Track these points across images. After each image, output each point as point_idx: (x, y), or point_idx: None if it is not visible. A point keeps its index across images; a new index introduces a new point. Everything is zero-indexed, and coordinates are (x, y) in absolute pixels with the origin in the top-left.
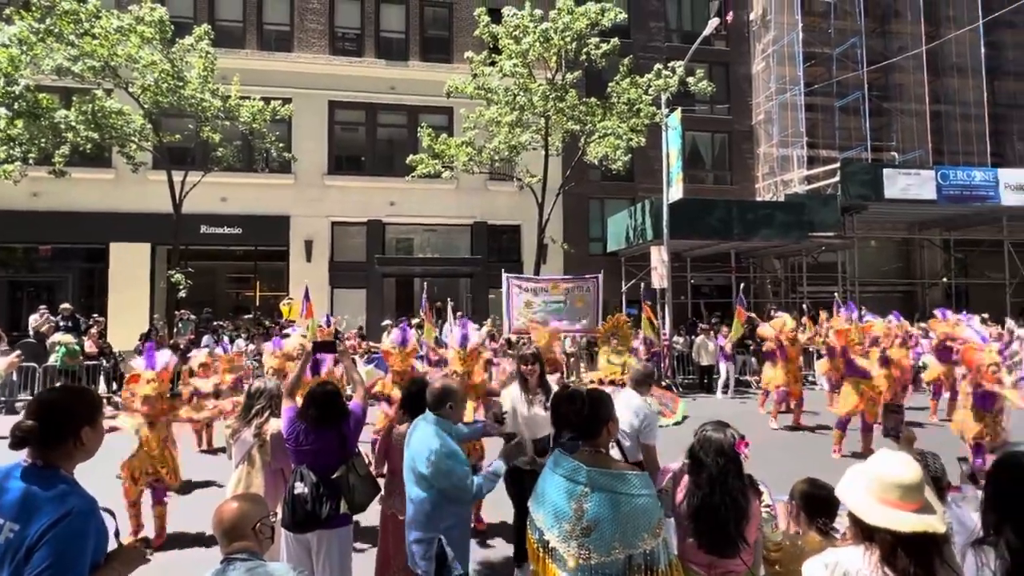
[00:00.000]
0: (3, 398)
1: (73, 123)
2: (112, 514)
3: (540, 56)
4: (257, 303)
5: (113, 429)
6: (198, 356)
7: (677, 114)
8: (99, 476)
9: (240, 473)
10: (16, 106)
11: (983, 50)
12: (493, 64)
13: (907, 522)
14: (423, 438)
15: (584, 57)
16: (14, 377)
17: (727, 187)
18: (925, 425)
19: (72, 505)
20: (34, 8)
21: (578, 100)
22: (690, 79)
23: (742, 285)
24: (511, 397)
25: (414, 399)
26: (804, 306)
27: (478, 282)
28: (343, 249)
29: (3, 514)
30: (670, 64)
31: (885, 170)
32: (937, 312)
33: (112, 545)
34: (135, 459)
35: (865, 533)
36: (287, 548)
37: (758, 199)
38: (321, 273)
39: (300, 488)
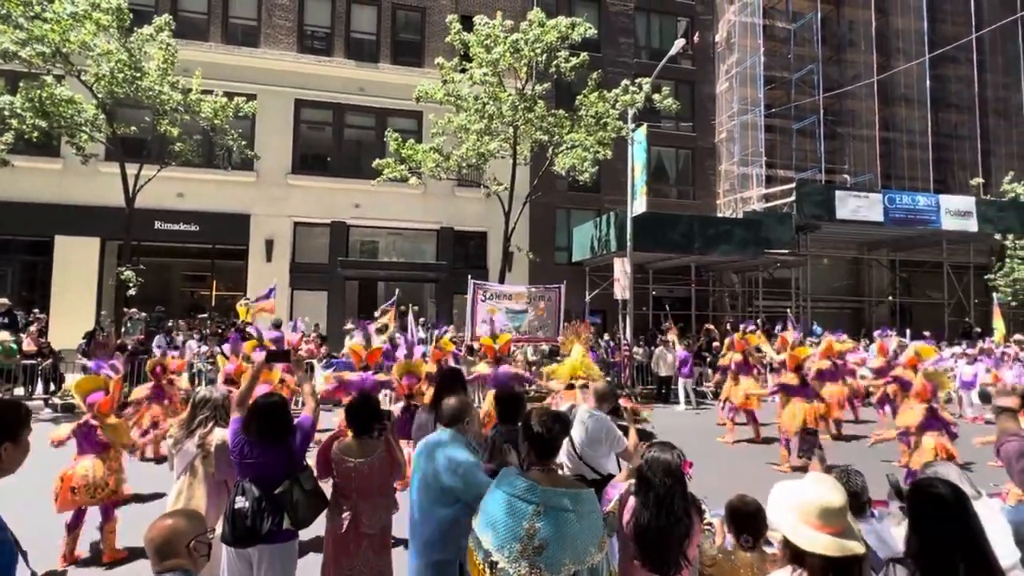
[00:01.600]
0: None
1: (19, 110)
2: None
3: (510, 66)
4: (213, 303)
5: (61, 443)
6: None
7: (643, 129)
8: (34, 487)
9: (182, 484)
10: None
11: (928, 83)
12: (464, 71)
13: (836, 547)
14: (450, 453)
15: (554, 69)
16: None
17: (689, 202)
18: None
19: None
20: None
21: (547, 111)
22: (656, 96)
23: (666, 307)
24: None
25: (357, 412)
26: (758, 321)
27: (443, 288)
28: (305, 250)
29: None
30: (637, 80)
31: (837, 192)
32: (876, 333)
33: (24, 572)
34: (73, 471)
35: (795, 555)
36: (228, 563)
37: (719, 215)
38: (282, 274)
39: (241, 503)
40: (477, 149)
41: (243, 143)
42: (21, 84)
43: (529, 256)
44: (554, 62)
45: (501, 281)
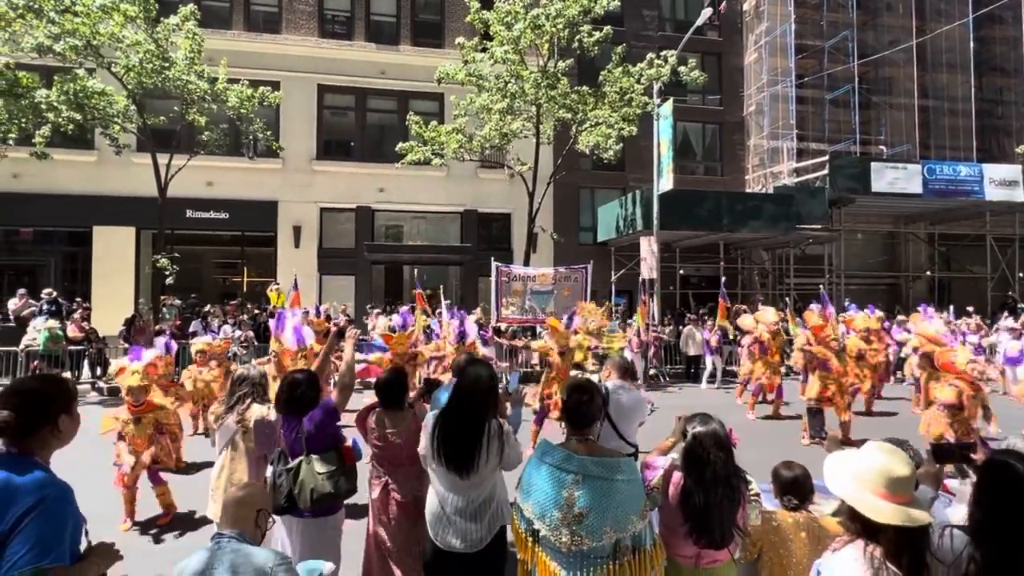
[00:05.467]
0: None
1: (54, 103)
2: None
3: (532, 43)
4: (245, 289)
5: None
6: (197, 343)
7: (669, 104)
8: (91, 458)
9: (224, 459)
10: None
11: (972, 45)
12: (485, 50)
13: (911, 517)
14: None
15: (576, 45)
16: None
17: (717, 178)
18: (896, 414)
19: (47, 492)
20: None
21: (570, 88)
22: (682, 69)
23: (724, 279)
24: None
25: (388, 387)
26: (787, 299)
27: (467, 270)
28: (332, 235)
29: None
30: (662, 53)
31: (873, 163)
32: (920, 308)
33: (83, 543)
34: (122, 452)
35: (866, 528)
36: (281, 529)
37: (747, 191)
38: (310, 259)
39: (268, 472)
40: (500, 129)
41: (268, 132)
42: (56, 78)
43: (553, 237)
44: (576, 37)
45: (526, 263)
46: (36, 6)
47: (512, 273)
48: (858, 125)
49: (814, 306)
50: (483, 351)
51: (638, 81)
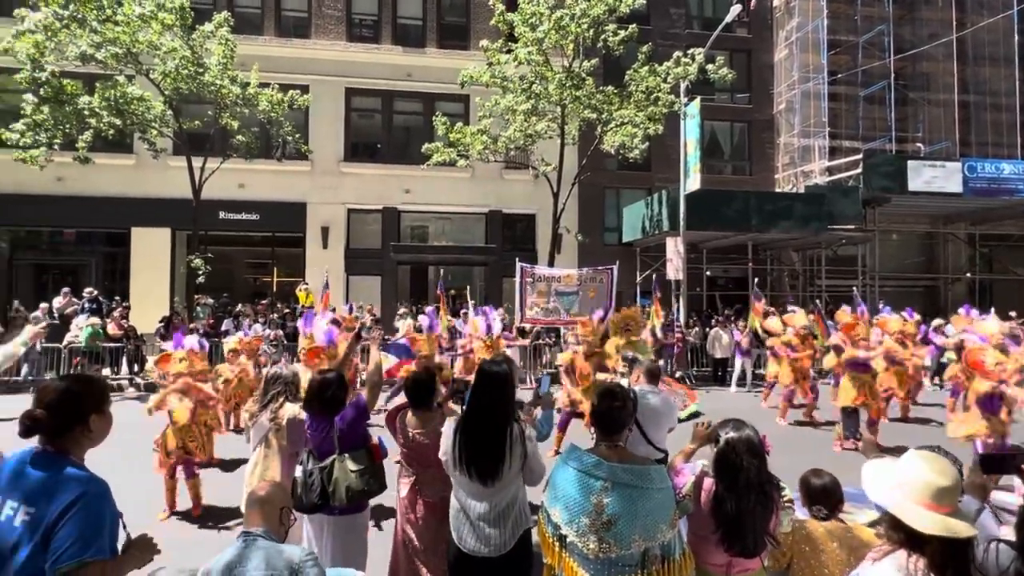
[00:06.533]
0: (31, 377)
1: (96, 109)
2: (120, 514)
3: (556, 44)
4: (274, 288)
5: (160, 406)
6: (229, 341)
7: (696, 103)
8: (125, 457)
9: (257, 456)
10: (42, 92)
11: (1016, 38)
12: (509, 52)
13: (959, 529)
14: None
15: (601, 44)
16: (37, 348)
17: (746, 177)
18: (933, 422)
19: (85, 489)
20: None
21: (595, 88)
22: (710, 67)
23: (756, 279)
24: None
25: (417, 388)
26: (817, 301)
27: (492, 271)
28: (359, 236)
29: (18, 497)
30: (690, 51)
31: (910, 162)
32: (961, 309)
33: (121, 535)
34: (167, 434)
35: (911, 539)
36: (306, 526)
37: (777, 190)
38: (337, 260)
39: (298, 472)
40: (524, 130)
41: (297, 135)
42: (97, 85)
43: (578, 237)
44: (601, 36)
45: (550, 263)
46: (80, 16)
47: (536, 274)
48: (894, 122)
49: (847, 307)
50: (507, 352)
51: (664, 80)
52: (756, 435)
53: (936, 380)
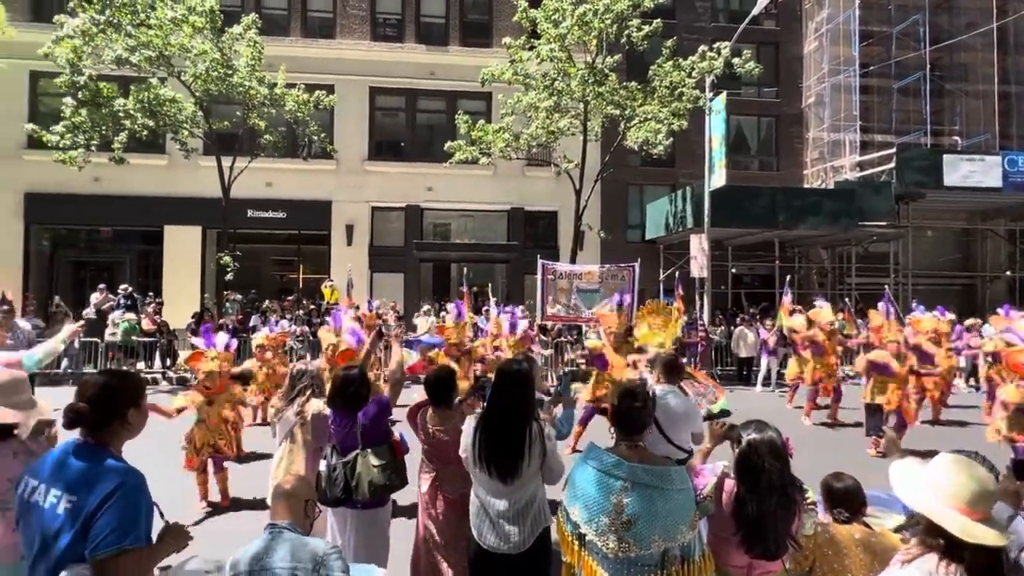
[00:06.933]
0: (70, 370)
1: (131, 111)
2: (156, 504)
3: (579, 40)
4: (300, 285)
5: (180, 410)
6: (257, 337)
7: (722, 98)
8: (160, 450)
9: (283, 450)
10: (80, 95)
11: None
12: (532, 49)
13: (996, 536)
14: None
15: (625, 40)
16: (76, 344)
17: (773, 173)
18: (967, 424)
19: (123, 479)
20: (95, 0)
21: (618, 84)
22: (736, 60)
23: (788, 277)
24: None
25: (436, 385)
26: (847, 299)
27: (514, 268)
28: (382, 233)
29: (61, 487)
30: (715, 45)
31: (946, 156)
32: (1000, 309)
33: (157, 522)
34: (196, 432)
35: (950, 546)
36: (331, 520)
37: (805, 186)
38: (361, 257)
39: (322, 466)
40: (547, 127)
41: (323, 135)
42: (132, 88)
43: (601, 235)
44: (625, 32)
45: (572, 261)
46: (115, 21)
47: (557, 271)
48: (929, 115)
49: (881, 306)
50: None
51: (689, 75)
52: (779, 437)
53: (971, 382)
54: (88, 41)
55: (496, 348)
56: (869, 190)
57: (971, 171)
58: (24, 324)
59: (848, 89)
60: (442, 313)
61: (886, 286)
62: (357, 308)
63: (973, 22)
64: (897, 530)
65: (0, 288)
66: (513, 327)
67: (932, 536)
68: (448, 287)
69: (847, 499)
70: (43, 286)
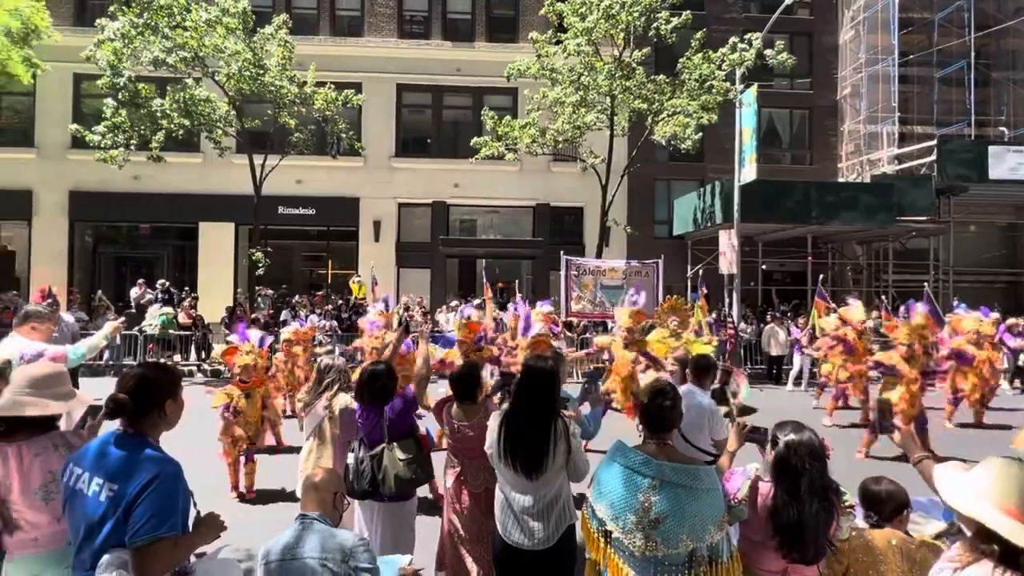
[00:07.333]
0: (111, 361)
1: (167, 111)
2: (191, 493)
3: (607, 33)
4: (329, 280)
5: (219, 406)
6: (285, 332)
7: (753, 90)
8: (194, 441)
9: (311, 444)
10: (120, 96)
11: None
12: (558, 43)
13: None
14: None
15: (653, 33)
16: (117, 340)
17: (805, 167)
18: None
19: (161, 469)
20: (134, 4)
21: (646, 78)
22: (768, 52)
23: (821, 276)
24: None
25: (461, 380)
26: (883, 297)
27: (539, 264)
28: (409, 230)
29: (103, 475)
30: (747, 36)
31: (991, 147)
32: None
33: (191, 512)
34: (233, 425)
35: (1006, 553)
36: (359, 512)
37: (840, 180)
38: (388, 253)
39: (349, 459)
40: (573, 122)
41: (351, 132)
42: (168, 88)
43: (627, 230)
44: (653, 25)
45: (598, 257)
46: (153, 23)
47: (581, 266)
48: (973, 105)
49: (921, 306)
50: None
51: (719, 67)
52: (817, 438)
53: (1017, 383)
54: (127, 43)
55: (512, 348)
56: (908, 184)
57: (1019, 163)
58: (69, 317)
59: (886, 79)
60: (461, 308)
61: (925, 284)
62: (385, 303)
63: (1022, 7)
64: (937, 537)
65: (47, 283)
66: (527, 329)
67: (985, 542)
68: (474, 282)
69: (880, 503)
70: (86, 281)
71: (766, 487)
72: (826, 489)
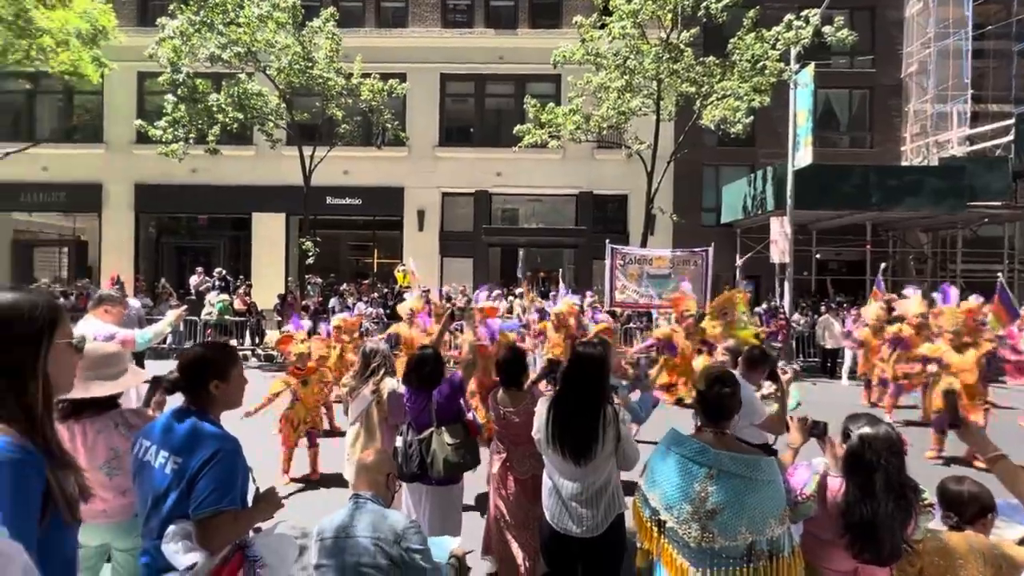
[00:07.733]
0: (174, 345)
1: (223, 105)
2: (250, 469)
3: (653, 15)
4: (375, 269)
5: (277, 395)
6: (335, 319)
7: (809, 69)
8: (250, 422)
9: (358, 428)
10: (179, 92)
11: None
12: (603, 27)
13: None
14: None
15: (703, 12)
16: (180, 327)
17: (865, 150)
18: None
19: (221, 445)
20: (191, 2)
21: (695, 60)
22: (827, 29)
23: (883, 265)
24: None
25: (507, 366)
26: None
27: (582, 253)
28: (452, 219)
29: (169, 448)
30: (803, 13)
31: None
32: None
33: (250, 489)
34: (293, 411)
35: None
36: (407, 494)
37: (903, 163)
38: (432, 242)
39: (398, 442)
40: (618, 108)
41: (396, 123)
42: (223, 83)
43: (673, 218)
44: (703, 4)
45: (643, 245)
46: (209, 21)
47: (627, 255)
48: None
49: (954, 290)
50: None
51: (773, 47)
52: (894, 431)
53: None
54: (186, 41)
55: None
56: (981, 166)
57: None
58: (135, 303)
59: (958, 54)
60: (476, 294)
61: (999, 274)
62: (428, 291)
63: None
64: (1020, 542)
65: (115, 271)
66: (542, 316)
67: None
68: (515, 272)
69: (962, 504)
70: (150, 269)
71: (836, 483)
72: (903, 486)
